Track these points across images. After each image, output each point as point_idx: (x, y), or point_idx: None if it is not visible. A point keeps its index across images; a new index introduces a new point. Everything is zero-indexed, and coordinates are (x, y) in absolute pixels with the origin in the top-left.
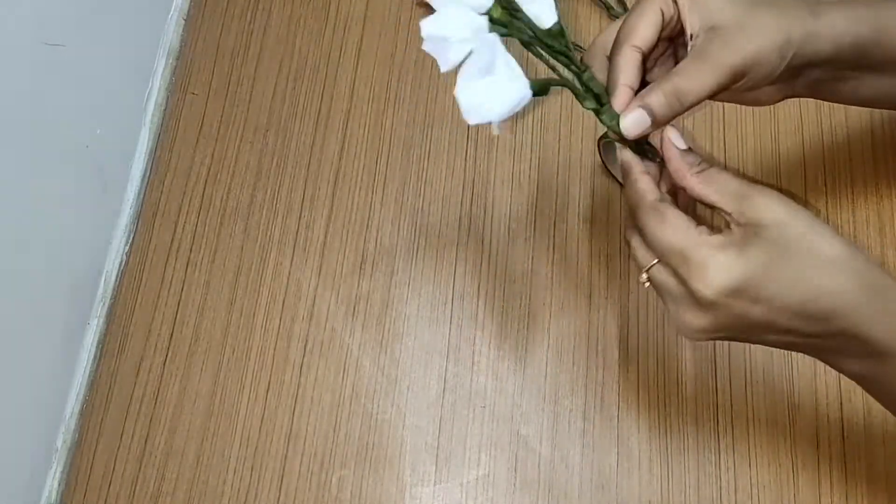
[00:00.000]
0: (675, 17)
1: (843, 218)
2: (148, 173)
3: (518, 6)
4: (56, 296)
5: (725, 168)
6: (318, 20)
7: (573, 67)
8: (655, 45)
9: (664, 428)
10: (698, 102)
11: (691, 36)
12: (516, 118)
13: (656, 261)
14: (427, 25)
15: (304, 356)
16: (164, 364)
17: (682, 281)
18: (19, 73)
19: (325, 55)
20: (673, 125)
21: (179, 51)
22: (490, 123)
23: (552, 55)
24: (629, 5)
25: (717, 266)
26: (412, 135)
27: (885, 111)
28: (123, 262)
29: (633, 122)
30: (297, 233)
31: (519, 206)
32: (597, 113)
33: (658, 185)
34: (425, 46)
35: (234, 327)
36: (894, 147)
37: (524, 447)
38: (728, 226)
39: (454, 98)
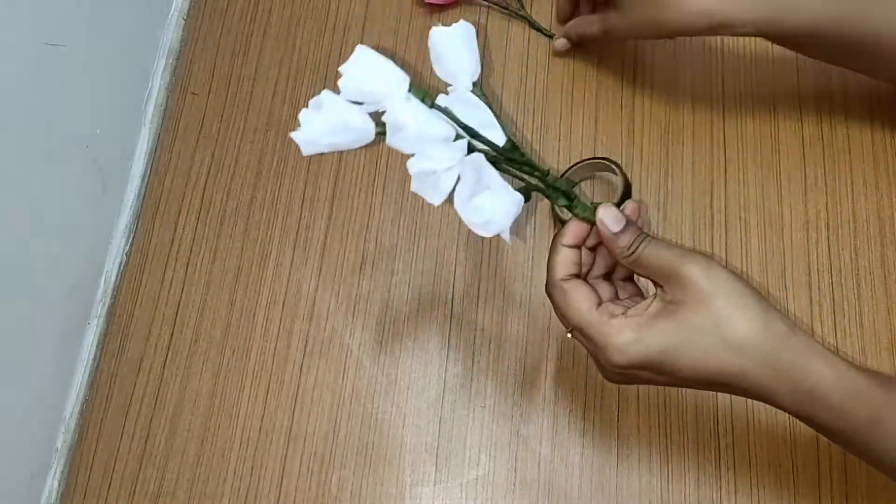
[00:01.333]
0: None
1: (843, 218)
2: (148, 173)
3: (475, 131)
4: (56, 296)
5: (661, 236)
6: (318, 20)
7: (536, 174)
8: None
9: (664, 428)
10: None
11: None
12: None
13: (570, 330)
14: (414, 164)
15: (304, 356)
16: (165, 364)
17: (592, 351)
18: (19, 72)
19: (325, 55)
20: (608, 207)
21: (179, 51)
22: (499, 235)
23: (517, 168)
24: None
25: (613, 348)
26: None
27: (884, 109)
28: (123, 262)
29: (611, 220)
30: (297, 233)
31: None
32: (570, 209)
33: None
34: (415, 188)
35: (234, 327)
36: (894, 147)
37: (524, 447)
38: (656, 296)
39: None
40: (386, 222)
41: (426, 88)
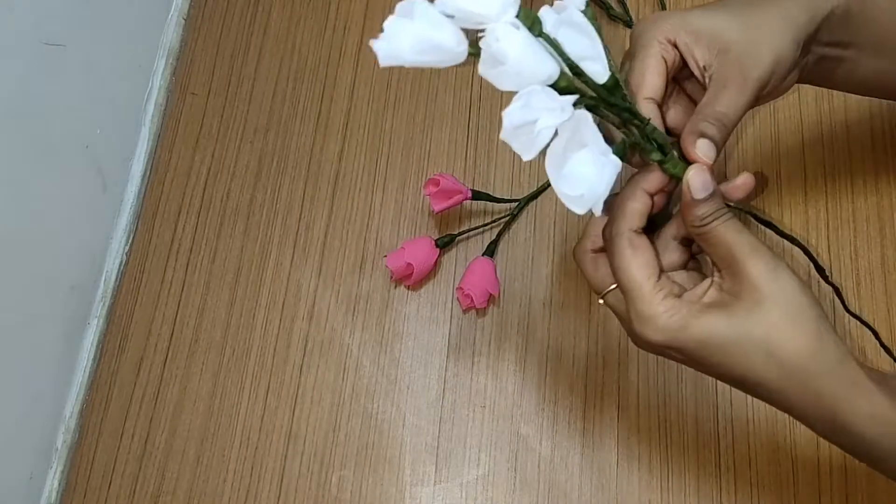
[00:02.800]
0: (678, 58)
1: (843, 217)
2: (148, 173)
3: (580, 69)
4: (56, 296)
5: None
6: (318, 20)
7: (636, 121)
8: (665, 91)
9: (664, 428)
10: (738, 122)
11: (704, 68)
12: None
13: (613, 287)
14: (512, 115)
15: (303, 356)
16: (164, 364)
17: (629, 314)
18: (19, 73)
19: (325, 55)
20: (701, 170)
21: (179, 51)
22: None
23: (617, 114)
24: (629, 6)
25: (655, 326)
26: (412, 135)
27: (884, 110)
28: (123, 262)
29: (704, 151)
30: (297, 233)
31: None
32: (661, 163)
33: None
34: (505, 136)
35: (234, 327)
36: (894, 146)
37: (524, 447)
38: (713, 282)
39: (500, 118)
40: (386, 222)
41: (534, 13)
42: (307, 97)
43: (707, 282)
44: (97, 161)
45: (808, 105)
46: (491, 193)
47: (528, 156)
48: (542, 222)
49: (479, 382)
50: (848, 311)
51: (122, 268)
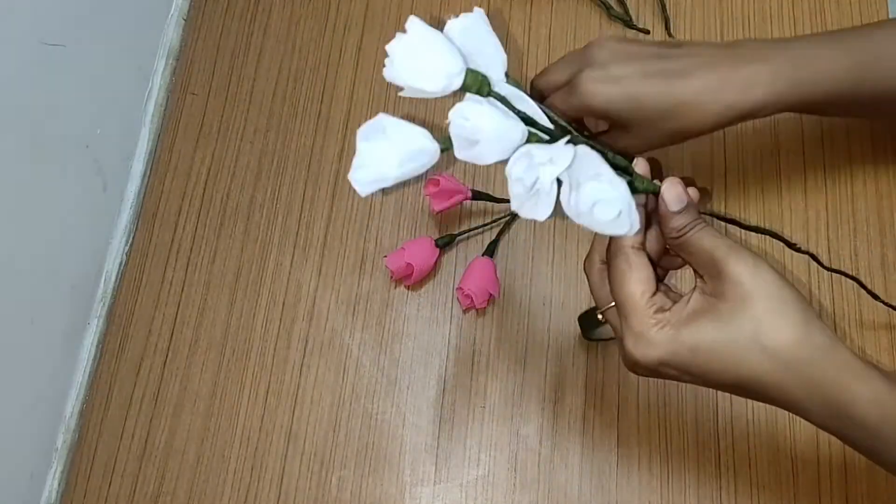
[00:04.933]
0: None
1: (843, 218)
2: (148, 173)
3: (533, 121)
4: (56, 296)
5: (724, 219)
6: (318, 21)
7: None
8: None
9: (664, 428)
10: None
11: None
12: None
13: (612, 304)
14: (516, 189)
15: (304, 356)
16: (165, 364)
17: (623, 334)
18: (19, 73)
19: (325, 56)
20: (674, 183)
21: (179, 51)
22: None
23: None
24: (629, 5)
25: (646, 340)
26: None
27: None
28: (123, 263)
29: (672, 198)
30: (297, 233)
31: None
32: (630, 184)
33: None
34: (517, 208)
35: (234, 327)
36: (894, 147)
37: (524, 447)
38: (695, 290)
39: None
40: (386, 222)
41: (479, 73)
42: (307, 97)
43: (690, 292)
44: (97, 161)
45: None
46: (491, 193)
47: (544, 214)
48: (541, 223)
49: (479, 382)
50: (828, 268)
51: (122, 268)
